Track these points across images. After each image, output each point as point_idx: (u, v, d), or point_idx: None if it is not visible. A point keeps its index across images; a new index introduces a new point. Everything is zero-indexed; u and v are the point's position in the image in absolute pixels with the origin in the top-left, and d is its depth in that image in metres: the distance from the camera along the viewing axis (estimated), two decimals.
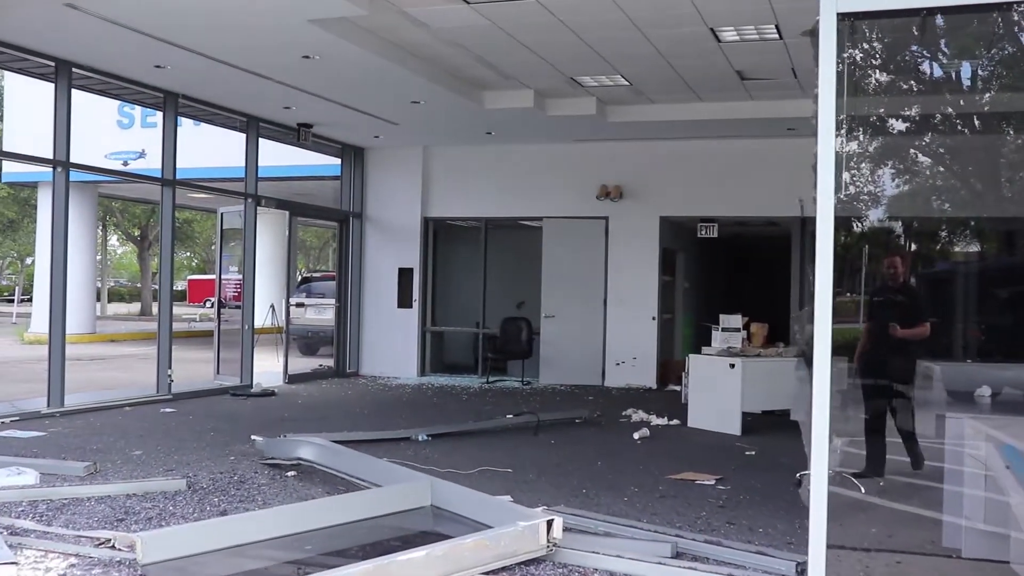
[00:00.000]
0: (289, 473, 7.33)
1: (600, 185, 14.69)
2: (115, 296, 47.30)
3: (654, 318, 14.63)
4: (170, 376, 11.76)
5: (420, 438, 9.13)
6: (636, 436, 9.67)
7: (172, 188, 11.78)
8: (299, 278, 25.92)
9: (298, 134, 13.63)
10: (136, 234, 37.37)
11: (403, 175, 15.59)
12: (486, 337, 15.34)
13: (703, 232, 15.03)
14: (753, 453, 8.96)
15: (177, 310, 46.38)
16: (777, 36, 9.46)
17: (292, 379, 14.28)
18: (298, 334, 19.62)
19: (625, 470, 7.97)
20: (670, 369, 15.01)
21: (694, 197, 14.50)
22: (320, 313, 19.67)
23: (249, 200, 13.19)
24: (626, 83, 11.62)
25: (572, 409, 11.42)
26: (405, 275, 15.63)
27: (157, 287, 12.68)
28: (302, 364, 16.50)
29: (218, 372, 13.76)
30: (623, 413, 11.38)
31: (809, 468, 7.35)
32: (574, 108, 12.60)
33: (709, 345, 12.96)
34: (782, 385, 10.45)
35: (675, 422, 10.70)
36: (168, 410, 10.90)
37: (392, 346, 15.60)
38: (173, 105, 11.71)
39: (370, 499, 5.62)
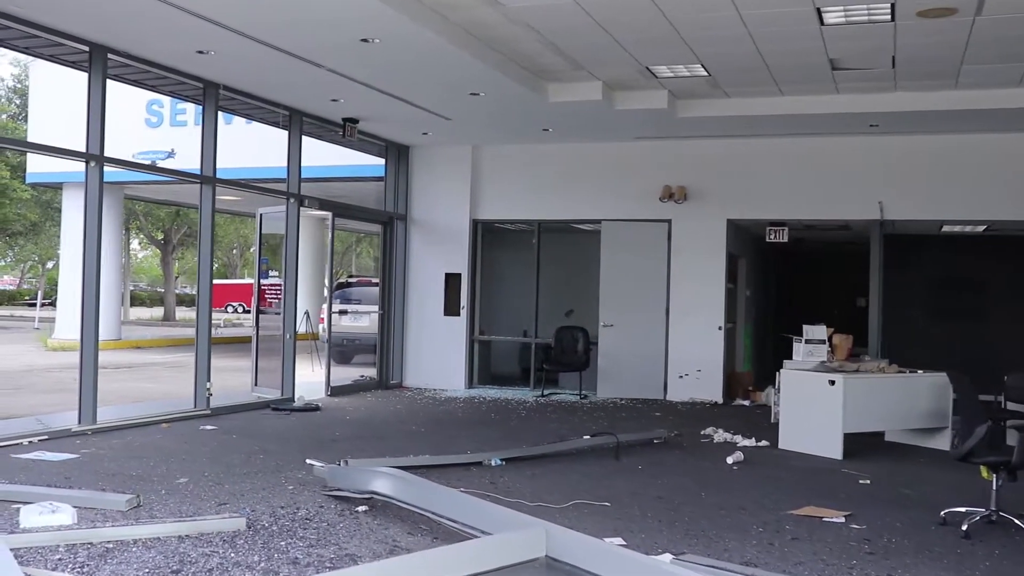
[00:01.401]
0: (360, 508, 6.40)
1: (663, 186, 13.72)
2: (135, 300, 46.56)
3: (721, 328, 13.64)
4: (209, 390, 10.85)
5: (493, 463, 8.19)
6: (730, 460, 8.71)
7: (212, 186, 10.89)
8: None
9: (343, 130, 12.72)
10: (159, 237, 36.57)
11: (451, 175, 14.67)
12: (539, 347, 14.39)
13: (772, 236, 14.03)
14: (868, 482, 7.97)
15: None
16: (889, 17, 8.47)
17: (334, 391, 13.37)
18: (332, 342, 18.73)
19: (735, 503, 7.01)
20: (736, 382, 14.04)
21: (764, 199, 13.53)
22: (356, 320, 18.83)
23: (291, 200, 12.29)
24: (704, 73, 10.66)
25: (648, 428, 10.47)
26: (452, 281, 14.70)
27: (194, 291, 11.78)
28: (339, 374, 15.51)
29: (256, 383, 12.87)
30: (702, 432, 10.43)
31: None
32: (644, 102, 11.65)
33: (789, 358, 12.04)
34: (885, 404, 9.50)
35: (764, 443, 9.73)
36: (208, 427, 10.00)
37: (438, 356, 14.67)
38: (214, 96, 10.83)
39: (477, 550, 4.68)
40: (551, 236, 15.02)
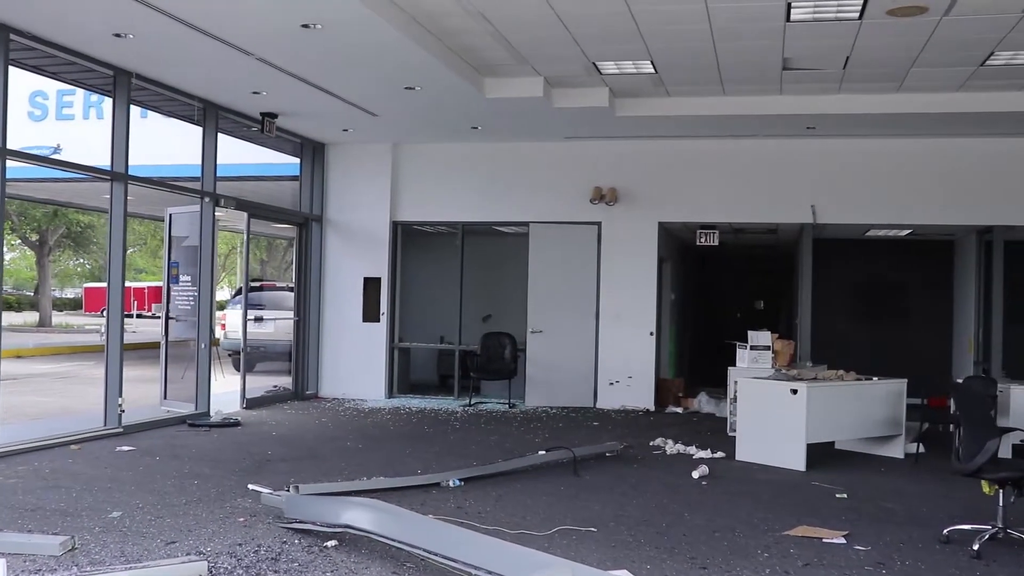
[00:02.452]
0: (329, 543, 5.72)
1: (594, 187, 13.33)
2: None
3: (652, 333, 13.33)
4: (121, 406, 9.93)
5: (452, 483, 7.61)
6: (696, 475, 8.32)
7: (124, 184, 9.97)
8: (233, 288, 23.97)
9: (262, 125, 11.90)
10: (34, 239, 34.41)
11: (370, 175, 13.96)
12: (464, 355, 13.80)
13: (703, 240, 13.80)
14: (845, 496, 7.66)
15: (75, 319, 43.27)
16: (857, 15, 8.23)
17: (250, 403, 12.53)
18: (233, 349, 17.78)
19: (725, 524, 6.59)
20: (666, 389, 13.74)
21: (696, 201, 13.28)
22: (260, 326, 17.90)
23: (206, 200, 11.41)
24: (651, 70, 10.29)
25: (593, 440, 10.02)
26: (371, 285, 13.99)
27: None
28: (247, 383, 14.65)
29: (165, 396, 11.92)
30: (652, 444, 10.04)
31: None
32: (584, 99, 11.23)
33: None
34: (844, 412, 9.26)
35: (720, 455, 9.39)
36: (125, 448, 9.09)
37: (356, 365, 13.94)
38: (125, 86, 9.91)
39: None
40: (476, 239, 14.46)
